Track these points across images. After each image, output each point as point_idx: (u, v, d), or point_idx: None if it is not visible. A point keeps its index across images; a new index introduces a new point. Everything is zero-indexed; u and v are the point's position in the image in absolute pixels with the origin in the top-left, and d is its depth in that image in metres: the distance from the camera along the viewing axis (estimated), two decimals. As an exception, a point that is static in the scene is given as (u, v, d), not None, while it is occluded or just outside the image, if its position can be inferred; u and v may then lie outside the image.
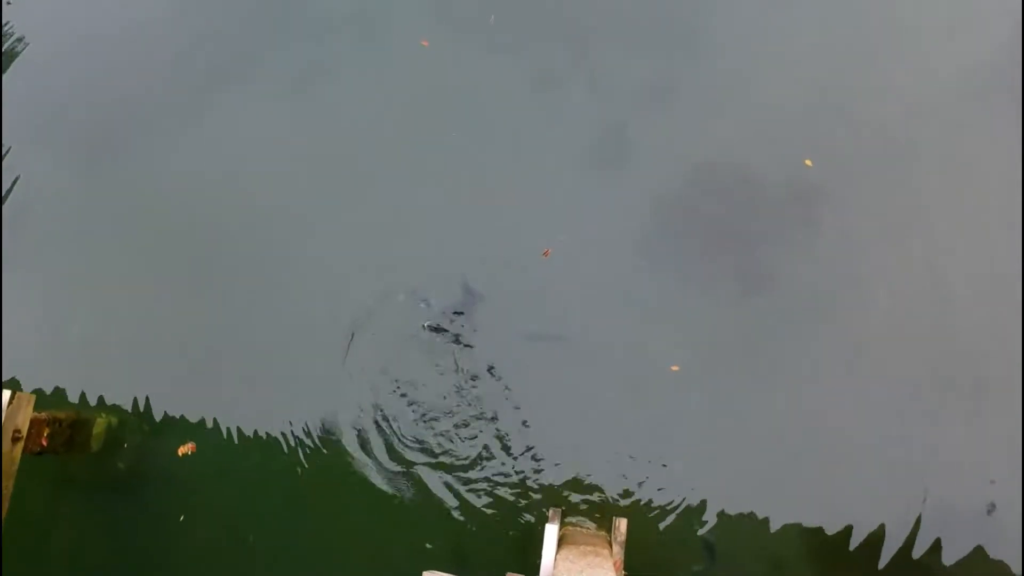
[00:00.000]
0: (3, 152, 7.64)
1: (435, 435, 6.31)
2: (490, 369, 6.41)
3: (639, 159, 6.96)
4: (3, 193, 7.47)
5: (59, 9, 8.32)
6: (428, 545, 6.03)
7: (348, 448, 6.35)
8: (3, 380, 6.77)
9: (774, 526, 5.87)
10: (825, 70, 7.10)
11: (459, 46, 7.58)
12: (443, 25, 7.69)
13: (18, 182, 7.54)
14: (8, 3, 8.30)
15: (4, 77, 7.96)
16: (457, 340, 6.49)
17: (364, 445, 6.35)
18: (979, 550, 5.69)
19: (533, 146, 7.09)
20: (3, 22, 8.27)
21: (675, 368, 6.25)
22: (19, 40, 8.16)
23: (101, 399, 6.71)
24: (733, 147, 6.92)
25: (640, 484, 6.03)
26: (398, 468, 6.26)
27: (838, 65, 7.11)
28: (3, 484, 5.76)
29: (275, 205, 7.16)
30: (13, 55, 8.05)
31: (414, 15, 7.76)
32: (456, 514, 6.10)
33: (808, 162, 6.81)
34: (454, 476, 6.20)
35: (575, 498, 6.06)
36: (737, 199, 6.75)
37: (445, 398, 6.37)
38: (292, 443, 6.41)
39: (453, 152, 7.14)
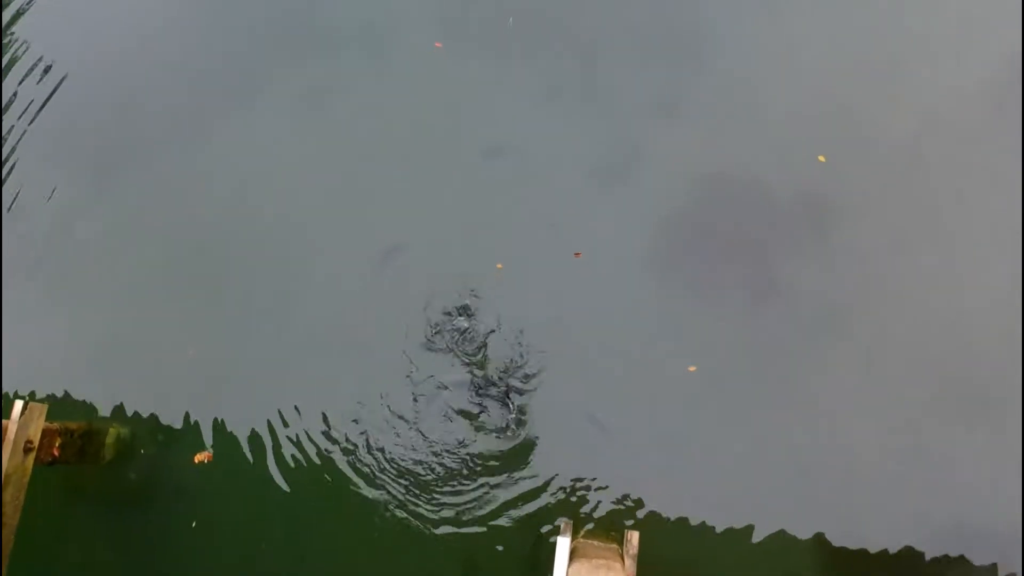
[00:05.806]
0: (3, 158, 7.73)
1: (445, 447, 6.26)
2: (501, 380, 6.36)
3: (649, 169, 6.91)
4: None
5: (72, 26, 8.36)
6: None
7: (359, 459, 6.32)
8: (17, 391, 6.82)
9: (787, 542, 5.80)
10: (835, 81, 7.01)
11: (468, 60, 7.56)
12: (452, 39, 7.65)
13: (31, 194, 7.59)
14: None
15: (18, 92, 8.04)
16: (472, 359, 6.48)
17: (375, 456, 6.31)
18: (996, 567, 5.58)
19: (543, 159, 7.05)
20: (4, 30, 8.39)
21: (692, 368, 6.19)
22: (33, 56, 8.21)
23: (114, 409, 6.73)
24: (744, 158, 6.84)
25: (652, 497, 5.97)
26: (409, 480, 6.22)
27: (849, 76, 7.02)
28: (16, 495, 5.79)
29: (286, 217, 7.17)
30: (28, 72, 8.10)
31: (423, 29, 7.72)
32: (467, 525, 6.05)
33: (821, 158, 6.69)
34: (465, 488, 6.15)
35: (587, 511, 5.99)
36: (748, 210, 6.68)
37: (456, 410, 6.35)
38: (305, 453, 6.39)
39: (463, 165, 7.12)
